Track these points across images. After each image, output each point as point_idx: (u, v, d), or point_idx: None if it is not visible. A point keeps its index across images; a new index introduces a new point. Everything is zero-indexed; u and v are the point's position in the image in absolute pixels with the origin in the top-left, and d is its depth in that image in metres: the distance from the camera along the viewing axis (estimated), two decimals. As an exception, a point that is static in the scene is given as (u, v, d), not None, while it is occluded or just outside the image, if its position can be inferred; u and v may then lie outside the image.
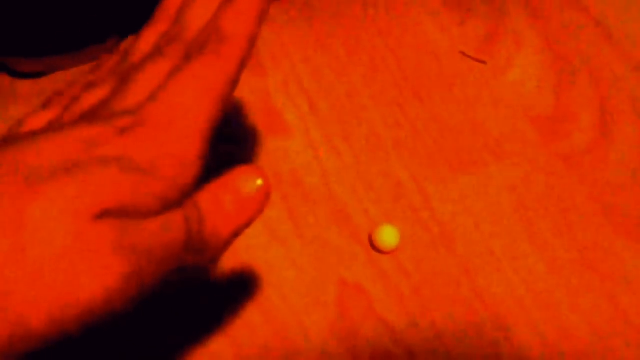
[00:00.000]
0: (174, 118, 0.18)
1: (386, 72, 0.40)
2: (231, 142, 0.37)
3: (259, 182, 0.20)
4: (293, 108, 0.38)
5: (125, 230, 0.15)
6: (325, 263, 0.33)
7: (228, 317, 0.31)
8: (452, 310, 0.31)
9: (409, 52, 0.41)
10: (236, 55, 0.20)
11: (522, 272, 0.33)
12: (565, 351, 0.30)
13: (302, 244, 0.33)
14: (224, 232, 0.19)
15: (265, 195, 0.20)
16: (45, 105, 0.22)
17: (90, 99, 0.21)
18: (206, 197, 0.19)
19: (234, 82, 0.20)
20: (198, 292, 0.32)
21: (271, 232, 0.33)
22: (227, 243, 0.20)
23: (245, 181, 0.20)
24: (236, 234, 0.20)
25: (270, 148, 0.36)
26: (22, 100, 0.38)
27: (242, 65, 0.20)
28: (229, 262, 0.33)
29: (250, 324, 0.31)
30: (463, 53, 0.40)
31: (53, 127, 0.17)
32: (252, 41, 0.20)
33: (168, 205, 0.17)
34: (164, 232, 0.16)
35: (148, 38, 0.23)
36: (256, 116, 0.38)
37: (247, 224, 0.20)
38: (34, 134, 0.17)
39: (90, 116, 0.18)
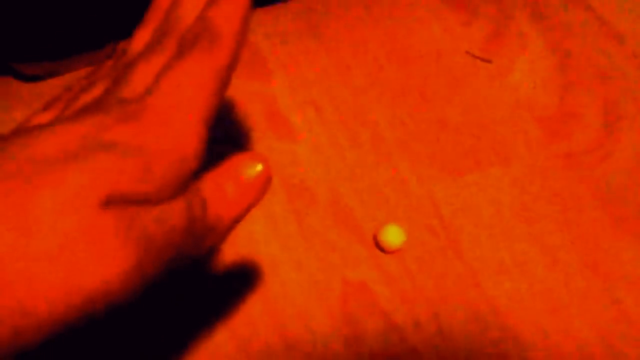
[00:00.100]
0: (172, 107, 0.18)
1: (391, 73, 0.40)
2: (237, 145, 0.37)
3: (259, 167, 0.20)
4: (298, 111, 0.38)
5: (129, 217, 0.15)
6: (330, 263, 0.32)
7: (233, 315, 0.31)
8: (456, 310, 0.31)
9: (414, 53, 0.41)
10: (227, 48, 0.20)
11: (526, 272, 0.32)
12: (568, 351, 0.30)
13: (307, 244, 0.33)
14: (226, 217, 0.19)
15: (265, 180, 0.20)
16: (46, 107, 0.23)
17: (89, 96, 0.21)
18: (208, 184, 0.19)
19: (229, 73, 0.20)
20: (203, 289, 0.31)
21: (277, 232, 0.33)
22: (229, 229, 0.20)
23: (246, 167, 0.20)
24: (238, 219, 0.20)
25: (276, 151, 0.36)
26: (24, 103, 0.38)
27: (234, 56, 0.21)
28: (235, 260, 0.32)
29: (255, 322, 0.31)
30: (469, 52, 0.40)
31: (56, 120, 0.18)
32: (243, 32, 0.21)
33: (170, 192, 0.17)
34: (167, 219, 0.17)
35: (140, 38, 0.23)
36: (262, 120, 0.38)
37: (249, 209, 0.20)
38: (36, 127, 0.17)
39: (91, 109, 0.19)
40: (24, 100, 0.38)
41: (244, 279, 0.32)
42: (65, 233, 0.14)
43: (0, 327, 0.13)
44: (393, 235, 0.32)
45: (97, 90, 0.21)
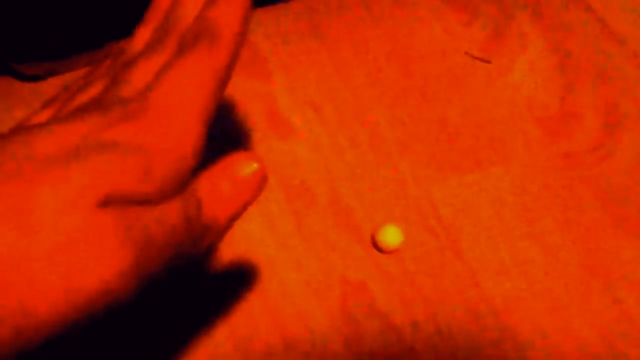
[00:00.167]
0: (172, 106, 0.18)
1: (391, 73, 0.40)
2: (237, 144, 0.37)
3: (255, 166, 0.20)
4: (298, 111, 0.38)
5: (128, 218, 0.15)
6: (329, 262, 0.32)
7: (232, 315, 0.31)
8: (455, 310, 0.31)
9: (414, 52, 0.41)
10: (226, 48, 0.20)
11: (526, 272, 0.32)
12: (568, 351, 0.30)
13: (306, 244, 0.33)
14: (222, 216, 0.19)
15: (261, 179, 0.20)
16: (45, 105, 0.23)
17: (86, 96, 0.21)
18: (203, 183, 0.19)
19: (228, 73, 0.20)
20: (202, 288, 0.31)
21: (275, 232, 0.33)
22: (226, 227, 0.20)
23: (241, 166, 0.20)
24: (234, 218, 0.20)
25: (275, 150, 0.36)
26: (24, 103, 0.38)
27: (234, 56, 0.21)
28: (234, 260, 0.32)
29: (254, 322, 0.30)
30: (468, 53, 0.40)
31: (55, 119, 0.18)
32: (243, 33, 0.21)
33: (169, 192, 0.17)
34: (166, 219, 0.17)
35: (140, 38, 0.23)
36: (262, 119, 0.38)
37: (244, 208, 0.20)
38: (36, 126, 0.17)
39: (90, 107, 0.19)
40: (24, 100, 0.38)
41: (242, 278, 0.32)
42: (65, 233, 0.14)
43: (1, 327, 0.13)
44: (391, 236, 0.32)
45: (95, 89, 0.21)
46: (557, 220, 0.34)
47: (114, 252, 0.15)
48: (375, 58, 0.40)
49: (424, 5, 0.43)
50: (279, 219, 0.34)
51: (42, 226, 0.14)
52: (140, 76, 0.20)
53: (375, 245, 0.33)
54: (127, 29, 0.41)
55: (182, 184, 0.18)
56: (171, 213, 0.17)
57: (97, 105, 0.18)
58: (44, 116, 0.22)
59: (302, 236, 0.33)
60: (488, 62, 0.40)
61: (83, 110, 0.18)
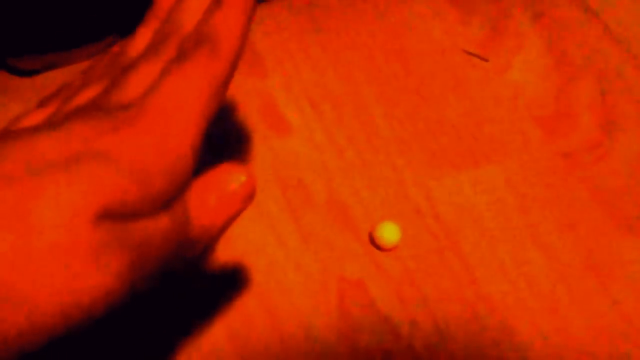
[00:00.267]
0: (168, 117, 0.18)
1: (388, 70, 0.40)
2: (233, 141, 0.37)
3: (243, 178, 0.20)
4: (295, 107, 0.38)
5: (121, 231, 0.15)
6: (326, 260, 0.32)
7: (228, 313, 0.31)
8: (454, 308, 0.31)
9: (412, 50, 0.41)
10: (225, 58, 0.20)
11: (524, 270, 0.32)
12: (567, 352, 0.30)
13: (303, 242, 0.33)
14: (210, 227, 0.20)
15: (249, 192, 0.20)
16: (39, 105, 0.23)
17: (83, 97, 0.21)
18: (192, 194, 0.19)
19: (226, 82, 0.20)
20: (198, 287, 0.31)
21: (272, 230, 0.33)
22: (214, 238, 0.20)
23: (229, 178, 0.20)
24: (222, 229, 0.20)
25: (272, 148, 0.36)
26: (21, 98, 0.38)
27: (233, 65, 0.21)
28: (230, 258, 0.32)
29: (250, 320, 0.30)
30: (466, 51, 0.40)
31: (49, 123, 0.17)
32: (243, 42, 0.21)
33: (161, 204, 0.17)
34: (157, 232, 0.17)
35: (140, 39, 0.23)
36: (258, 116, 0.37)
37: (233, 219, 0.20)
38: (31, 130, 0.17)
39: (85, 113, 0.19)
40: (21, 95, 0.38)
41: (239, 277, 0.32)
42: (57, 246, 0.14)
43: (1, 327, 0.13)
44: (389, 233, 0.32)
45: (93, 91, 0.21)
46: (555, 219, 0.34)
47: (106, 265, 0.15)
48: (374, 56, 0.40)
49: (422, 3, 0.43)
50: (276, 217, 0.34)
51: (36, 235, 0.14)
52: (138, 81, 0.20)
53: (373, 242, 0.33)
54: (125, 23, 0.40)
55: (175, 196, 0.18)
56: (162, 225, 0.17)
57: (95, 110, 0.18)
58: (40, 115, 0.22)
59: (299, 234, 0.33)
60: (485, 60, 0.40)
61: (80, 115, 0.18)
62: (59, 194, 0.14)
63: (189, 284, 0.31)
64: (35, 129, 0.17)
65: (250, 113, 0.38)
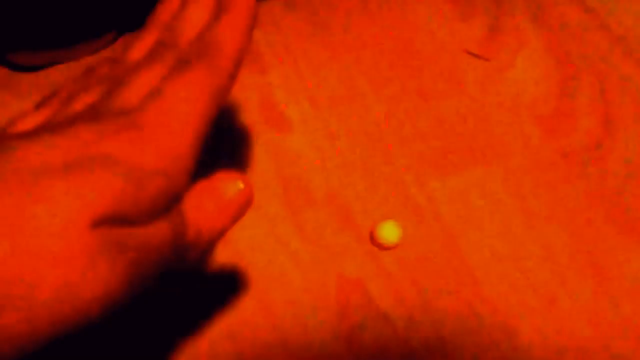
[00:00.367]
0: (168, 123, 0.18)
1: (389, 68, 0.40)
2: (232, 139, 0.37)
3: (240, 186, 0.20)
4: (295, 105, 0.38)
5: (117, 239, 0.15)
6: (326, 259, 0.32)
7: (227, 311, 0.31)
8: (453, 308, 0.31)
9: (413, 48, 0.41)
10: (226, 66, 0.20)
11: (524, 270, 0.32)
12: (567, 352, 0.30)
13: (303, 240, 0.33)
14: (207, 234, 0.20)
15: (246, 199, 0.21)
16: (37, 107, 0.23)
17: (82, 102, 0.21)
18: (189, 201, 0.19)
19: (226, 91, 0.21)
20: (196, 286, 0.31)
21: (272, 227, 0.33)
22: (210, 244, 0.20)
23: (227, 185, 0.20)
24: (218, 236, 0.20)
25: (272, 145, 0.36)
26: (21, 93, 0.38)
27: (233, 75, 0.21)
28: (229, 256, 0.32)
29: (249, 319, 0.31)
30: (468, 51, 0.40)
31: (48, 128, 0.18)
32: (243, 52, 0.21)
33: (157, 211, 0.17)
34: (153, 238, 0.17)
35: (141, 45, 0.23)
36: (258, 113, 0.37)
37: (229, 226, 0.20)
38: (29, 134, 0.17)
39: (85, 117, 0.19)
40: (21, 91, 0.38)
41: (238, 275, 0.32)
42: (54, 251, 0.14)
43: None
44: (389, 232, 0.32)
45: (91, 97, 0.21)
46: (556, 218, 0.34)
47: (103, 271, 0.15)
48: (374, 54, 0.40)
49: (424, 2, 0.43)
50: (276, 215, 0.34)
51: (33, 242, 0.14)
52: (138, 86, 0.20)
53: (374, 241, 0.33)
54: (125, 19, 0.40)
55: (171, 204, 0.18)
56: (159, 232, 0.17)
57: (95, 115, 0.18)
58: (38, 117, 0.22)
59: (299, 232, 0.33)
60: (488, 60, 0.40)
61: (80, 120, 0.18)
62: (56, 200, 0.14)
63: (188, 283, 0.32)
64: (34, 133, 0.17)
65: (250, 110, 0.38)
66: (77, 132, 0.17)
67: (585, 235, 0.33)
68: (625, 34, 0.41)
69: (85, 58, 0.39)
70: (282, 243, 0.33)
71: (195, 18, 0.22)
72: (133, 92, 0.20)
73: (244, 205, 0.20)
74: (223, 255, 0.32)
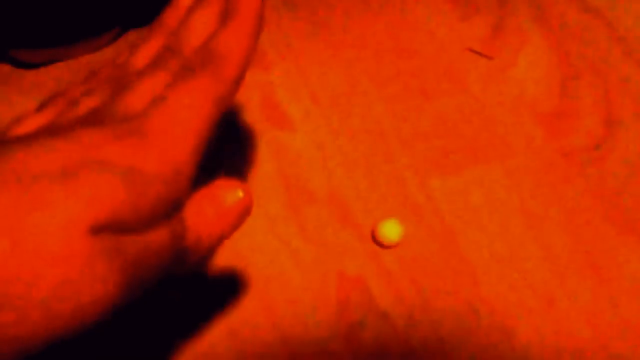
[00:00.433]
0: (170, 131, 0.18)
1: (391, 67, 0.40)
2: (234, 136, 0.37)
3: (240, 194, 0.21)
4: (296, 103, 0.38)
5: (116, 245, 0.16)
6: (327, 257, 0.32)
7: (228, 309, 0.31)
8: (453, 307, 0.31)
9: (414, 47, 0.41)
10: (231, 75, 0.20)
11: (523, 270, 0.32)
12: (566, 353, 0.30)
13: (304, 239, 0.33)
14: (206, 240, 0.20)
15: (245, 207, 0.21)
16: (39, 108, 0.23)
17: (85, 105, 0.21)
18: (190, 207, 0.19)
19: (230, 99, 0.21)
20: (197, 283, 0.32)
21: (273, 226, 0.33)
22: (210, 250, 0.20)
23: (227, 193, 0.20)
24: (218, 241, 0.20)
25: (274, 143, 0.36)
26: (24, 90, 0.38)
27: (236, 85, 0.21)
28: (229, 255, 0.32)
29: (250, 317, 0.31)
30: (470, 49, 0.40)
31: (50, 131, 0.18)
32: (247, 61, 0.21)
33: (158, 218, 0.17)
34: (153, 244, 0.17)
35: (145, 51, 0.23)
36: (259, 111, 0.38)
37: (229, 233, 0.21)
38: (31, 137, 0.17)
39: (87, 121, 0.19)
40: (24, 88, 0.38)
41: (239, 273, 0.32)
42: (52, 256, 0.14)
43: None
44: (391, 230, 0.32)
45: (94, 101, 0.21)
46: (556, 218, 0.34)
47: (102, 277, 0.15)
48: (376, 53, 0.40)
49: (425, 1, 0.43)
50: (277, 213, 0.34)
51: (31, 246, 0.14)
52: (142, 92, 0.20)
53: (376, 239, 0.33)
54: (127, 17, 0.40)
55: (172, 210, 0.18)
56: (159, 238, 0.17)
57: (95, 121, 0.18)
58: (39, 119, 0.22)
59: (300, 230, 0.33)
60: (491, 58, 0.40)
61: (83, 125, 0.18)
62: (55, 205, 0.14)
63: (187, 281, 0.32)
64: (36, 136, 0.17)
65: (251, 109, 0.38)
66: (79, 137, 0.17)
67: (585, 235, 0.34)
68: (626, 34, 0.41)
69: (88, 55, 0.39)
70: (283, 241, 0.33)
71: (202, 24, 0.22)
72: (137, 98, 0.20)
73: (243, 213, 0.21)
74: (224, 254, 0.33)
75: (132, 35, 0.41)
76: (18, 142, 0.16)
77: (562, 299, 0.32)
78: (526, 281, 0.32)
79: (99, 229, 0.15)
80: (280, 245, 0.33)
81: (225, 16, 0.22)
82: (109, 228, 0.15)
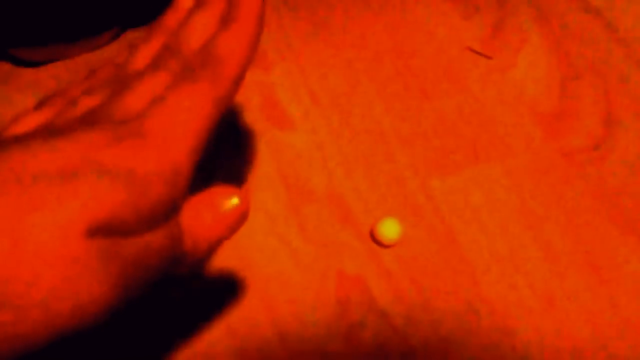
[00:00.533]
0: (169, 133, 0.18)
1: (391, 66, 0.40)
2: (234, 135, 0.37)
3: (236, 201, 0.21)
4: (297, 103, 0.38)
5: (113, 247, 0.16)
6: (326, 256, 0.32)
7: (227, 308, 0.31)
8: (452, 307, 0.31)
9: (414, 46, 0.41)
10: (231, 77, 0.20)
11: (523, 269, 0.32)
12: (566, 353, 0.30)
13: (304, 238, 0.33)
14: (203, 245, 0.20)
15: (241, 214, 0.21)
16: (38, 106, 0.23)
17: (84, 105, 0.21)
18: (187, 211, 0.20)
19: (228, 101, 0.21)
20: (197, 282, 0.31)
21: (273, 224, 0.33)
22: (207, 253, 0.20)
23: (224, 199, 0.21)
24: (214, 246, 0.20)
25: (273, 142, 0.36)
26: (23, 88, 0.38)
27: (235, 86, 0.21)
28: (229, 254, 0.32)
29: (250, 317, 0.31)
30: (470, 48, 0.40)
31: (49, 131, 0.17)
32: (246, 65, 0.21)
33: (154, 221, 0.17)
34: (149, 247, 0.17)
35: (145, 52, 0.23)
36: (260, 111, 0.37)
37: (225, 239, 0.21)
38: (30, 138, 0.17)
39: (86, 122, 0.19)
40: (24, 86, 0.38)
41: (238, 272, 0.32)
42: (49, 258, 0.14)
43: None
44: (390, 229, 0.32)
45: (93, 100, 0.21)
46: (555, 218, 0.34)
47: (97, 280, 0.15)
48: (376, 52, 0.40)
49: (425, 0, 0.43)
50: (276, 211, 0.34)
51: (29, 247, 0.14)
52: (141, 94, 0.20)
53: (374, 238, 0.33)
54: (127, 17, 0.40)
55: (169, 212, 0.18)
56: (155, 241, 0.17)
57: (94, 122, 0.18)
58: (38, 118, 0.22)
59: (299, 229, 0.33)
60: (490, 57, 0.40)
61: (80, 127, 0.18)
62: (53, 206, 0.15)
63: (186, 280, 0.32)
64: (34, 136, 0.17)
65: (252, 108, 0.38)
66: (78, 138, 0.17)
67: (585, 235, 0.34)
68: (625, 34, 0.41)
69: (87, 54, 0.39)
70: (282, 240, 0.33)
71: (202, 26, 0.22)
72: (136, 98, 0.20)
73: (240, 220, 0.21)
74: (224, 253, 0.32)
75: (131, 35, 0.41)
76: (17, 142, 0.16)
77: (562, 299, 0.32)
78: (525, 280, 0.32)
79: (96, 230, 0.15)
80: (280, 244, 0.33)
81: (226, 18, 0.22)
82: (107, 229, 0.15)
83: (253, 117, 0.37)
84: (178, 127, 0.18)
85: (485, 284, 0.32)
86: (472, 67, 0.40)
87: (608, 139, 0.37)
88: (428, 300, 0.31)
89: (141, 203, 0.16)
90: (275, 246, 0.33)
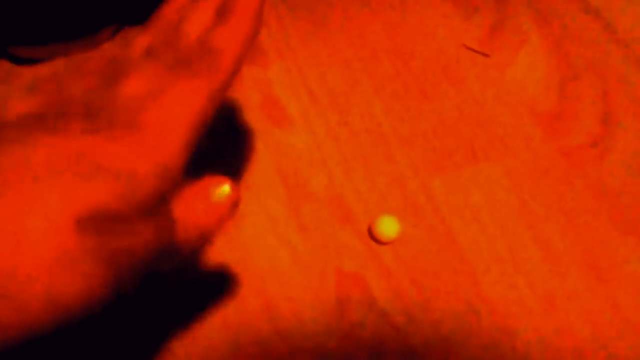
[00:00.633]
0: (163, 125, 0.18)
1: (389, 65, 0.40)
2: (233, 133, 0.36)
3: (227, 189, 0.21)
4: (295, 101, 0.38)
5: (105, 238, 0.16)
6: (325, 253, 0.32)
7: (225, 305, 0.31)
8: (452, 306, 0.31)
9: (413, 46, 0.41)
10: (225, 72, 0.20)
11: (524, 269, 0.32)
12: (566, 353, 0.30)
13: (302, 235, 0.33)
14: (195, 236, 0.20)
15: (233, 203, 0.21)
16: (31, 90, 0.22)
17: (78, 94, 0.21)
18: (179, 202, 0.19)
19: (223, 95, 0.21)
20: (195, 280, 0.31)
21: (271, 222, 0.33)
22: (199, 244, 0.20)
23: (215, 189, 0.21)
24: (206, 237, 0.20)
25: (272, 140, 0.36)
26: (22, 87, 0.38)
27: (230, 81, 0.21)
28: (228, 252, 0.32)
29: (248, 314, 0.30)
30: (466, 46, 0.40)
31: (40, 118, 0.17)
32: (242, 59, 0.21)
33: (146, 211, 0.17)
34: (141, 238, 0.17)
35: (142, 41, 0.23)
36: (258, 109, 0.37)
37: (217, 229, 0.21)
38: (22, 129, 0.17)
39: (79, 112, 0.18)
40: (22, 84, 0.38)
41: (237, 269, 0.32)
42: (40, 251, 0.14)
43: None
44: (388, 226, 0.32)
45: (88, 88, 0.21)
46: (555, 217, 0.34)
47: (89, 272, 0.15)
48: (375, 51, 0.40)
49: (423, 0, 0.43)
50: (275, 210, 0.34)
51: (21, 242, 0.14)
52: (135, 87, 0.20)
53: (372, 236, 0.33)
54: (125, 15, 0.40)
55: (161, 203, 0.18)
56: (147, 232, 0.17)
57: (88, 113, 0.18)
58: (31, 102, 0.21)
59: (298, 226, 0.33)
60: (487, 55, 0.40)
61: (73, 116, 0.18)
62: (44, 200, 0.15)
63: (184, 276, 0.31)
64: (27, 127, 0.17)
65: (251, 106, 0.37)
66: (70, 130, 0.17)
67: (585, 235, 0.33)
68: (624, 35, 0.41)
69: (85, 52, 0.39)
70: (281, 238, 0.33)
71: (199, 19, 0.22)
72: (131, 89, 0.19)
73: (231, 209, 0.21)
74: (222, 250, 0.32)
75: (130, 33, 0.40)
76: (7, 133, 0.16)
77: (562, 299, 0.32)
78: (526, 281, 0.32)
79: (85, 225, 0.15)
80: (279, 242, 0.33)
81: (224, 12, 0.21)
82: (98, 222, 0.15)
83: (252, 115, 0.37)
84: (172, 120, 0.18)
85: (486, 284, 0.32)
86: (472, 67, 0.40)
87: (607, 139, 0.37)
88: (428, 300, 0.31)
89: (133, 196, 0.16)
90: (274, 244, 0.33)
